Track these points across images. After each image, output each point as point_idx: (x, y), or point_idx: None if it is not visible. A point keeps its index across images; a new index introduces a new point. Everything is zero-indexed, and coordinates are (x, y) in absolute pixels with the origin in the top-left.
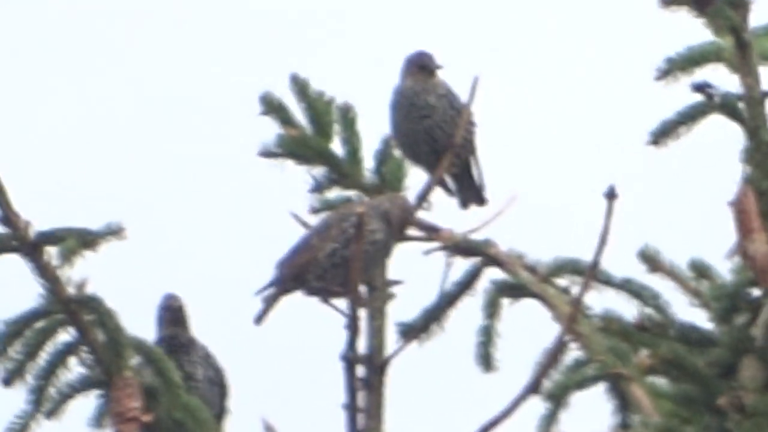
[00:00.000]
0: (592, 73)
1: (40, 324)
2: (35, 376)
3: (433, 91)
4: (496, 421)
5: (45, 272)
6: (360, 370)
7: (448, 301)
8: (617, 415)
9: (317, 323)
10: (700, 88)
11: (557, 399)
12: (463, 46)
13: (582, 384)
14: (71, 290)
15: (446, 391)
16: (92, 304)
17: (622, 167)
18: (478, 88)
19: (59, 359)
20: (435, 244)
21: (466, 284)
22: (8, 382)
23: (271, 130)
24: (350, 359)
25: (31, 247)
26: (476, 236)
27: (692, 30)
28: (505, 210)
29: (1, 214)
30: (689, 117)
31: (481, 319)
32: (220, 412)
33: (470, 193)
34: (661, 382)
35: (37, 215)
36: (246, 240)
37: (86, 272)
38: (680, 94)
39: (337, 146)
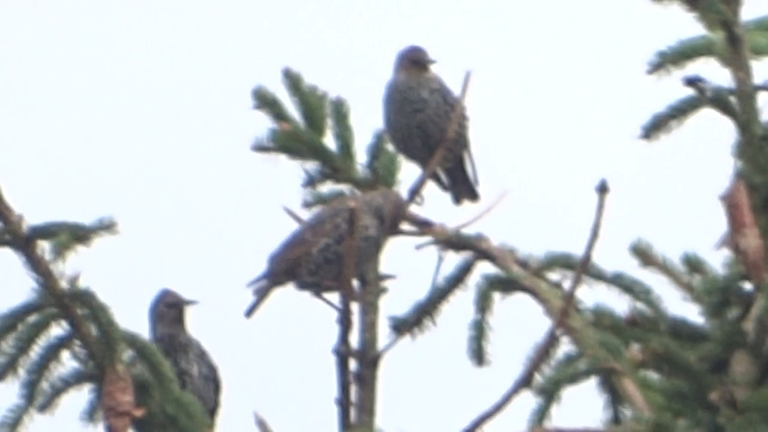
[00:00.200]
0: (584, 67)
1: (32, 318)
2: (28, 370)
3: (426, 85)
4: (488, 416)
5: (38, 266)
6: (352, 365)
7: (440, 295)
8: (609, 409)
9: (309, 317)
10: (692, 82)
11: (549, 393)
12: (455, 40)
13: (573, 378)
14: (64, 284)
15: (438, 386)
16: (85, 298)
17: (615, 161)
18: (471, 83)
19: (52, 353)
20: (427, 239)
21: (458, 278)
22: (1, 376)
23: (263, 124)
24: (342, 353)
25: (24, 241)
26: (468, 231)
27: (684, 24)
28: (497, 205)
29: None
30: (681, 111)
31: (473, 314)
32: (214, 408)
33: (463, 188)
34: (652, 375)
35: (30, 210)
36: (239, 234)
37: (79, 266)
38: (672, 88)
39: (329, 141)
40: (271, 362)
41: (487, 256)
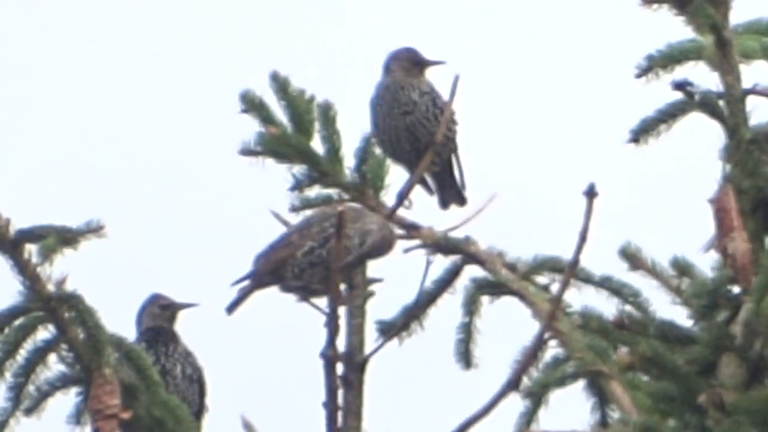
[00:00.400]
0: (573, 71)
1: (19, 321)
2: (14, 373)
3: (417, 87)
4: (475, 419)
5: (25, 270)
6: (339, 368)
7: (428, 298)
8: (596, 412)
9: (297, 321)
10: (681, 86)
11: (536, 396)
12: (443, 44)
13: (561, 381)
14: (51, 288)
15: (426, 389)
16: (72, 301)
17: (603, 165)
18: (460, 87)
19: (39, 356)
20: (415, 242)
21: (446, 282)
22: None
23: (251, 128)
24: (330, 357)
25: (11, 244)
26: (456, 234)
27: (673, 28)
28: (486, 208)
29: None
30: (669, 115)
31: (461, 317)
32: (199, 410)
33: (451, 192)
34: (640, 377)
35: (17, 213)
36: (226, 238)
37: (66, 270)
38: (661, 92)
39: (317, 144)
40: (258, 366)
41: (475, 259)
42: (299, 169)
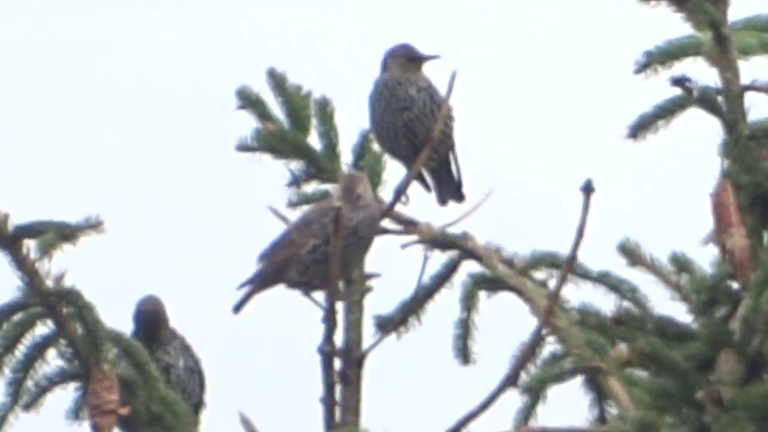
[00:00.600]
0: (571, 67)
1: (18, 317)
2: (13, 368)
3: (415, 83)
4: (473, 415)
5: (23, 265)
6: (337, 364)
7: (425, 294)
8: (594, 408)
9: (294, 316)
10: (679, 81)
11: (534, 392)
12: (441, 40)
13: (559, 377)
14: (50, 283)
15: (424, 384)
16: (71, 297)
17: (601, 160)
18: (457, 83)
19: (37, 352)
20: (413, 238)
21: (443, 277)
22: None
23: (248, 124)
24: (327, 352)
25: (9, 240)
26: (454, 230)
27: (671, 24)
28: (483, 204)
29: None
30: (668, 111)
31: (458, 312)
32: (198, 402)
33: (448, 189)
34: (638, 373)
35: (16, 208)
36: (224, 233)
37: (65, 265)
38: (659, 88)
39: (314, 140)
40: (255, 361)
41: (472, 255)
42: (296, 165)
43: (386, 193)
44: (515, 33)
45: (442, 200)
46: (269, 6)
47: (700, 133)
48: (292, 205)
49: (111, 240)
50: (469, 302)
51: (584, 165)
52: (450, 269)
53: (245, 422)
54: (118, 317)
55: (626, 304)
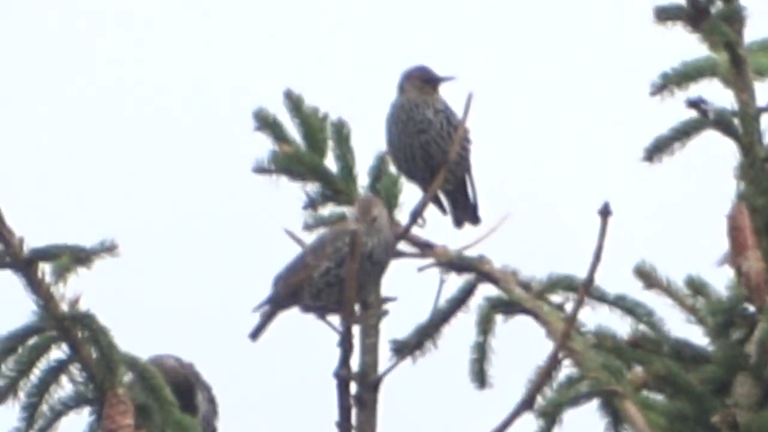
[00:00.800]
0: (587, 89)
1: (33, 341)
2: (28, 393)
3: (432, 105)
4: None
5: (38, 289)
6: (353, 388)
7: (441, 317)
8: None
9: (310, 340)
10: (695, 103)
11: (551, 416)
12: (457, 62)
13: (575, 401)
14: (64, 307)
15: (440, 409)
16: (86, 321)
17: (618, 183)
18: (473, 105)
19: (52, 376)
20: (429, 261)
21: (459, 301)
22: (1, 399)
23: (265, 146)
24: (343, 376)
25: (24, 263)
26: (470, 253)
27: (687, 45)
28: (499, 227)
29: None
30: (684, 133)
31: (474, 336)
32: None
33: (465, 211)
34: (654, 397)
35: (31, 231)
36: (240, 256)
37: (80, 289)
38: (675, 110)
39: (331, 162)
40: (271, 385)
41: (489, 278)
42: (313, 187)
43: (403, 216)
44: (531, 55)
45: (459, 223)
46: (286, 27)
47: (716, 156)
48: (309, 227)
49: (126, 263)
50: (485, 326)
51: (601, 188)
52: (466, 292)
53: None
54: (133, 341)
55: (642, 327)
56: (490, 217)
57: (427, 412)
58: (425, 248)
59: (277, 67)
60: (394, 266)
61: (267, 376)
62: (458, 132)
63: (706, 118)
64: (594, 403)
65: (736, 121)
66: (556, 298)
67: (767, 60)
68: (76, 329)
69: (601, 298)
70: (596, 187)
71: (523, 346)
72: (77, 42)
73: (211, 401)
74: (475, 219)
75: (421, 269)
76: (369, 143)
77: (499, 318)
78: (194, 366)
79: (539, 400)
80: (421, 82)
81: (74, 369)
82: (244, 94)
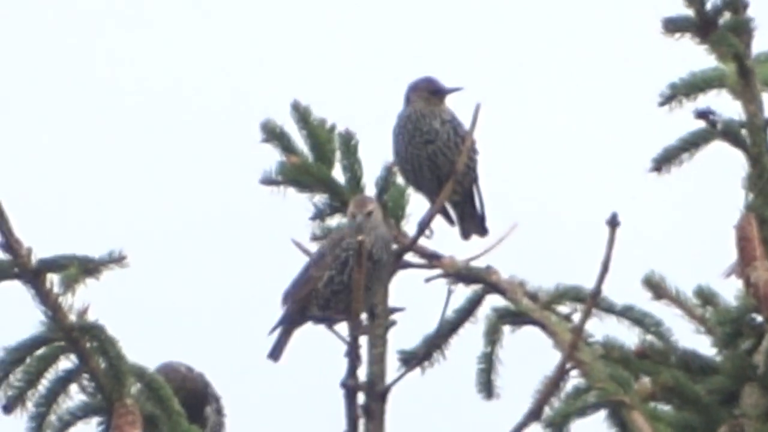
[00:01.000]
0: (596, 100)
1: (41, 351)
2: (36, 403)
3: (439, 116)
4: None
5: (46, 299)
6: (360, 398)
7: (449, 328)
8: None
9: (318, 350)
10: (703, 114)
11: (558, 426)
12: (465, 73)
13: (583, 411)
14: (73, 317)
15: (447, 419)
16: (94, 331)
17: (626, 194)
18: (481, 115)
19: (60, 386)
20: (436, 272)
21: (467, 311)
22: (9, 409)
23: (272, 157)
24: (351, 386)
25: (32, 274)
26: (477, 263)
27: (696, 56)
28: (507, 237)
29: (3, 241)
30: (692, 143)
31: (482, 346)
32: None
33: (472, 222)
34: (662, 407)
35: (39, 242)
36: (247, 267)
37: (88, 299)
38: (684, 121)
39: (338, 173)
40: (279, 395)
41: (496, 288)
42: (320, 198)
43: (410, 227)
44: (540, 66)
45: (466, 234)
46: (294, 40)
47: (724, 166)
48: (316, 238)
49: (134, 274)
50: (492, 336)
51: (609, 198)
52: (474, 303)
53: None
54: (141, 352)
55: (650, 337)
56: (497, 228)
57: (434, 423)
58: (433, 259)
59: (284, 79)
60: (402, 277)
61: (275, 386)
62: (465, 143)
63: (714, 129)
64: (601, 414)
65: (744, 132)
66: (563, 308)
67: None
68: (84, 340)
69: (609, 308)
70: (604, 198)
71: (530, 356)
72: (86, 52)
73: (219, 412)
74: (482, 230)
75: (428, 280)
76: (376, 154)
77: (506, 328)
78: (204, 375)
79: (547, 411)
80: (428, 93)
81: (83, 379)
82: (252, 105)
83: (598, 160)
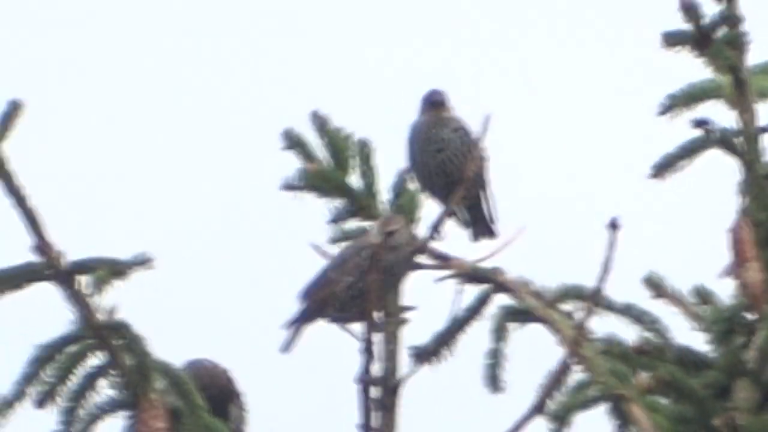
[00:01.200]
0: (599, 110)
1: (71, 348)
2: (66, 398)
3: (448, 125)
4: None
5: (77, 299)
6: (375, 392)
7: (458, 325)
8: None
9: (334, 348)
10: (700, 123)
11: (561, 419)
12: (478, 85)
13: (585, 404)
14: (101, 317)
15: (456, 412)
16: (121, 329)
17: (627, 199)
18: (490, 125)
19: (89, 382)
20: (446, 272)
21: (475, 309)
22: (41, 404)
23: (292, 164)
24: (365, 381)
25: (64, 275)
26: (486, 264)
27: (693, 69)
28: (513, 240)
29: (37, 244)
30: (689, 151)
31: (489, 343)
32: None
33: (481, 226)
34: (659, 399)
35: (71, 246)
36: (268, 268)
37: (116, 300)
38: (682, 129)
39: (355, 180)
40: (299, 390)
41: (503, 288)
42: (338, 203)
43: (422, 230)
44: (547, 79)
45: (475, 236)
46: (313, 55)
47: (720, 173)
48: (334, 241)
49: (159, 276)
50: (499, 333)
51: (610, 203)
52: (482, 302)
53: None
54: (166, 349)
55: (648, 334)
56: (505, 231)
57: (443, 415)
58: (443, 260)
59: (305, 90)
60: (414, 277)
61: (294, 382)
62: (474, 151)
63: (710, 137)
64: (602, 407)
65: (738, 140)
66: (566, 307)
67: None
68: (112, 338)
69: (610, 307)
70: (606, 202)
71: (535, 352)
72: (114, 57)
73: (241, 407)
74: (490, 233)
75: (439, 280)
76: (391, 161)
77: (512, 326)
78: (228, 372)
79: (550, 404)
80: (429, 104)
81: (110, 375)
82: (273, 115)
83: (601, 167)
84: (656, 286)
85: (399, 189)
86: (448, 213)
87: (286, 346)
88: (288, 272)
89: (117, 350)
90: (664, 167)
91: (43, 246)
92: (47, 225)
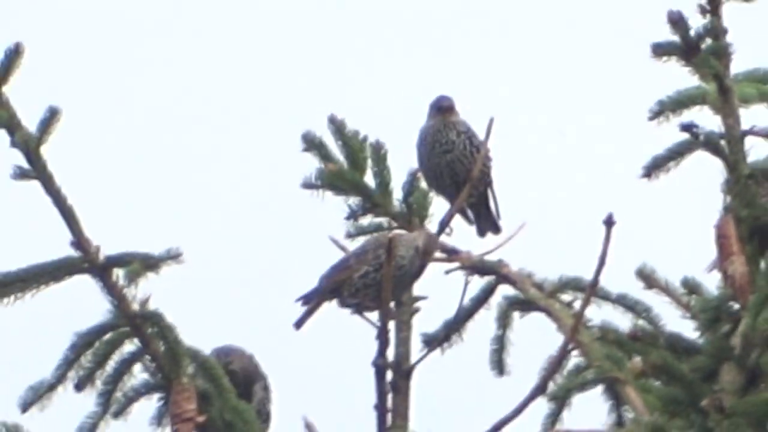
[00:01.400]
0: (595, 116)
1: (108, 336)
2: (104, 381)
3: (454, 128)
4: (507, 419)
5: (113, 291)
6: (389, 375)
7: (466, 314)
8: (613, 413)
9: (352, 334)
10: (687, 127)
11: (561, 400)
12: (482, 91)
13: (582, 386)
14: (136, 307)
15: (464, 393)
16: (154, 318)
17: (621, 197)
18: (494, 128)
19: (125, 367)
20: (455, 265)
21: (482, 299)
22: (80, 387)
23: (312, 164)
24: (380, 365)
25: (100, 269)
26: (491, 258)
27: (681, 77)
28: (516, 235)
29: (75, 240)
30: (678, 153)
31: (494, 330)
32: (266, 414)
33: (487, 222)
34: (651, 382)
35: (106, 241)
36: (290, 261)
37: (149, 291)
38: (671, 133)
39: (370, 179)
40: (319, 373)
41: (507, 279)
42: (354, 200)
43: (432, 226)
44: (545, 86)
45: (481, 232)
46: (332, 63)
47: (706, 173)
48: (350, 236)
49: (189, 269)
50: (504, 321)
51: (606, 201)
52: (487, 292)
53: (309, 426)
54: (195, 336)
55: (641, 322)
56: (508, 226)
57: (453, 397)
58: (452, 254)
59: (324, 97)
60: (425, 269)
61: (315, 366)
62: (480, 152)
63: (697, 140)
64: (599, 389)
65: (723, 142)
66: (566, 297)
67: (750, 89)
68: (146, 326)
69: (605, 296)
70: (602, 200)
71: (537, 338)
72: (149, 65)
73: (266, 389)
74: (496, 228)
75: (448, 272)
76: (403, 162)
77: (516, 314)
78: (254, 357)
79: (551, 386)
80: (436, 110)
81: (144, 361)
82: (294, 119)
83: (596, 168)
84: (648, 278)
85: (410, 187)
86: (457, 210)
87: (299, 323)
88: (308, 264)
89: (150, 338)
90: (654, 168)
91: (81, 242)
92: (84, 222)
